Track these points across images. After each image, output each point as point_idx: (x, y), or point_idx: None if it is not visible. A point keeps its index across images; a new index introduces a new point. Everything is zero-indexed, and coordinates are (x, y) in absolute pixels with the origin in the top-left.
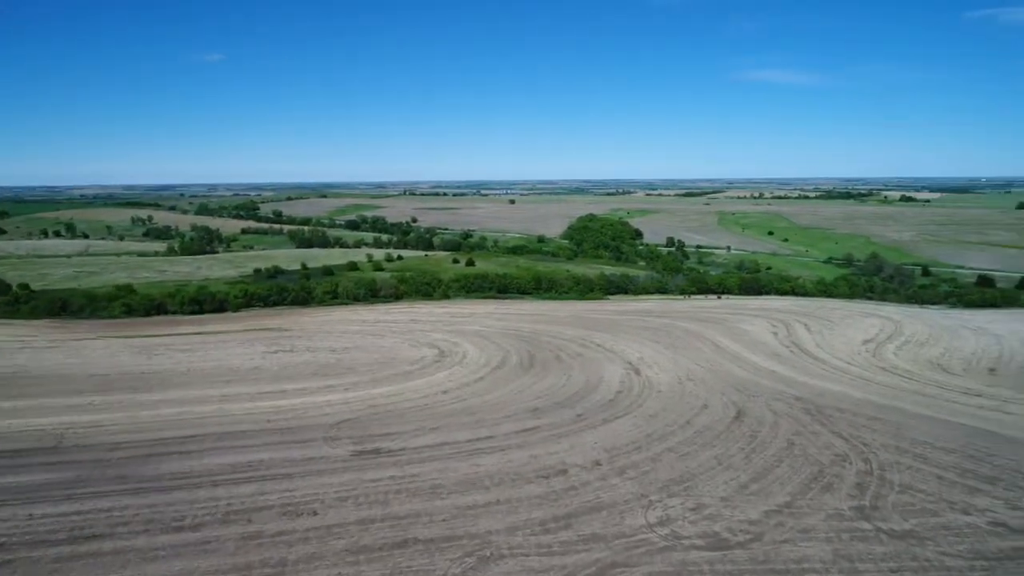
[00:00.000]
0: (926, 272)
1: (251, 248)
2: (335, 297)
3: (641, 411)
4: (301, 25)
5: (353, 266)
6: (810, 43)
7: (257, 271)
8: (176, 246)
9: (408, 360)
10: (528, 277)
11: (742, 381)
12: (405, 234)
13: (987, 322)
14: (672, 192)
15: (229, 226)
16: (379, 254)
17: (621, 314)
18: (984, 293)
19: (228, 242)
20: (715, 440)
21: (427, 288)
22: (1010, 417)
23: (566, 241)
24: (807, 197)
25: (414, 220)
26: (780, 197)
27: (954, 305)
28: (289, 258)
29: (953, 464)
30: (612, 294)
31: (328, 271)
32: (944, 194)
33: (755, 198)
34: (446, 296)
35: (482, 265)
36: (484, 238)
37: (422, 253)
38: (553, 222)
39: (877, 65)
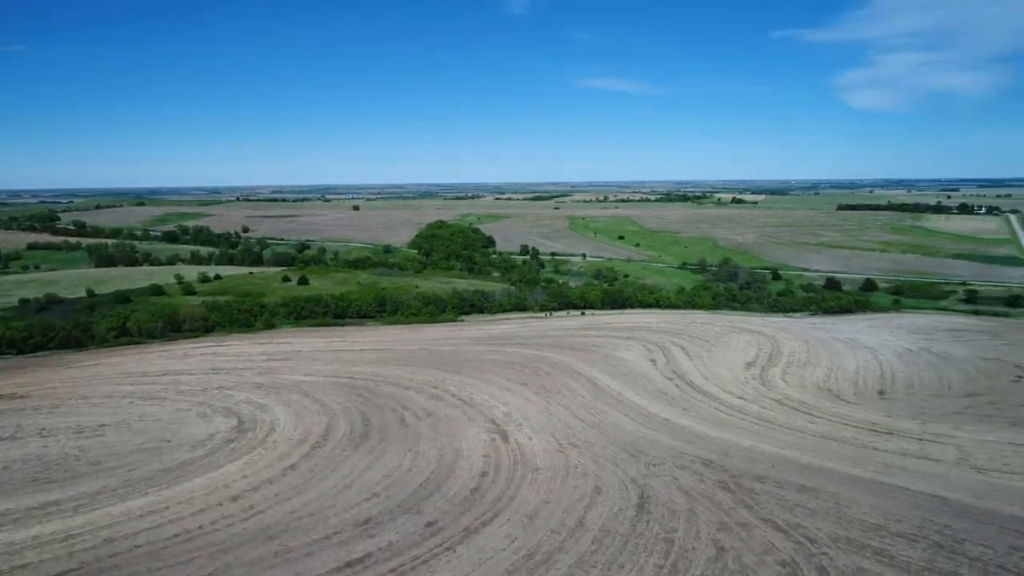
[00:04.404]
0: (776, 276)
1: (35, 268)
2: (123, 335)
3: (515, 508)
4: (121, 17)
5: (158, 290)
6: (643, 55)
7: (24, 302)
8: None
9: (190, 441)
10: (370, 298)
11: (635, 440)
12: (232, 247)
13: (854, 332)
14: (521, 196)
15: (14, 241)
16: (193, 273)
17: (479, 343)
18: (839, 298)
19: (7, 261)
20: (621, 554)
21: (245, 317)
22: (941, 468)
23: (415, 251)
24: (649, 200)
25: (245, 230)
26: (624, 200)
27: (814, 312)
28: (77, 281)
29: (924, 563)
30: (466, 314)
31: (122, 298)
32: (766, 196)
33: (600, 201)
34: (269, 325)
35: (318, 283)
36: (323, 250)
37: (247, 270)
38: (401, 229)
39: (702, 77)
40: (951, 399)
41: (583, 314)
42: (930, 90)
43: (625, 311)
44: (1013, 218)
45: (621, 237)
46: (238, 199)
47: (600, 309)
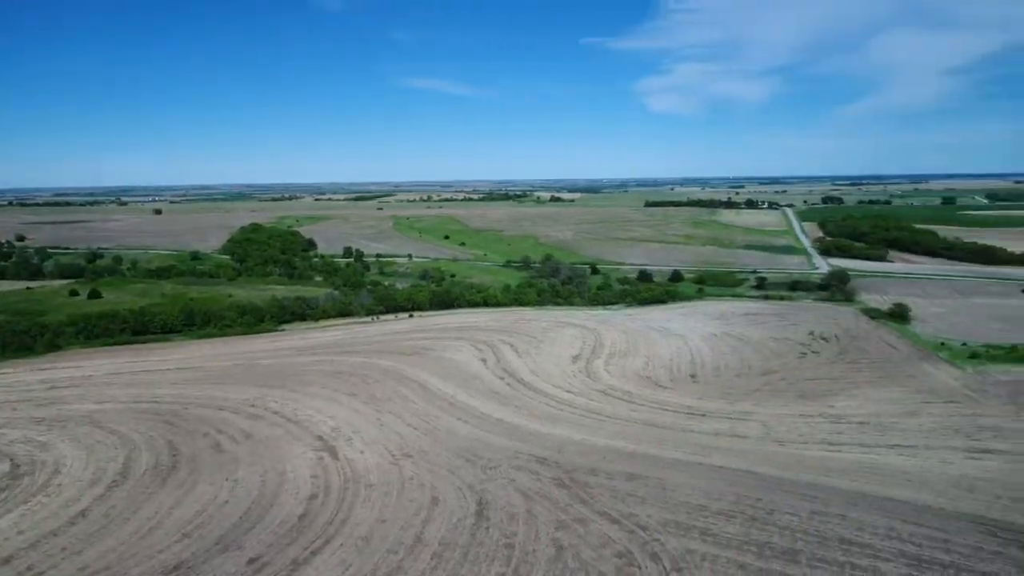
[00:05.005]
0: (595, 270)
1: None
2: None
3: (348, 531)
4: None
5: None
6: (463, 56)
7: None
8: None
9: None
10: (176, 310)
11: (470, 444)
12: (4, 258)
13: (666, 321)
14: (342, 196)
15: None
16: None
17: (302, 353)
18: (651, 290)
19: None
20: (463, 567)
21: (21, 340)
22: (749, 444)
23: (227, 257)
24: (472, 199)
25: (20, 238)
26: (448, 200)
27: (630, 304)
28: None
29: (742, 537)
30: (288, 322)
31: None
32: (581, 194)
33: (425, 201)
34: (53, 347)
35: (113, 297)
36: (119, 258)
37: (24, 284)
38: (210, 234)
39: (520, 80)
40: (751, 378)
41: (411, 316)
42: (718, 97)
43: (454, 311)
44: (789, 212)
45: (447, 237)
46: (11, 203)
47: (428, 310)
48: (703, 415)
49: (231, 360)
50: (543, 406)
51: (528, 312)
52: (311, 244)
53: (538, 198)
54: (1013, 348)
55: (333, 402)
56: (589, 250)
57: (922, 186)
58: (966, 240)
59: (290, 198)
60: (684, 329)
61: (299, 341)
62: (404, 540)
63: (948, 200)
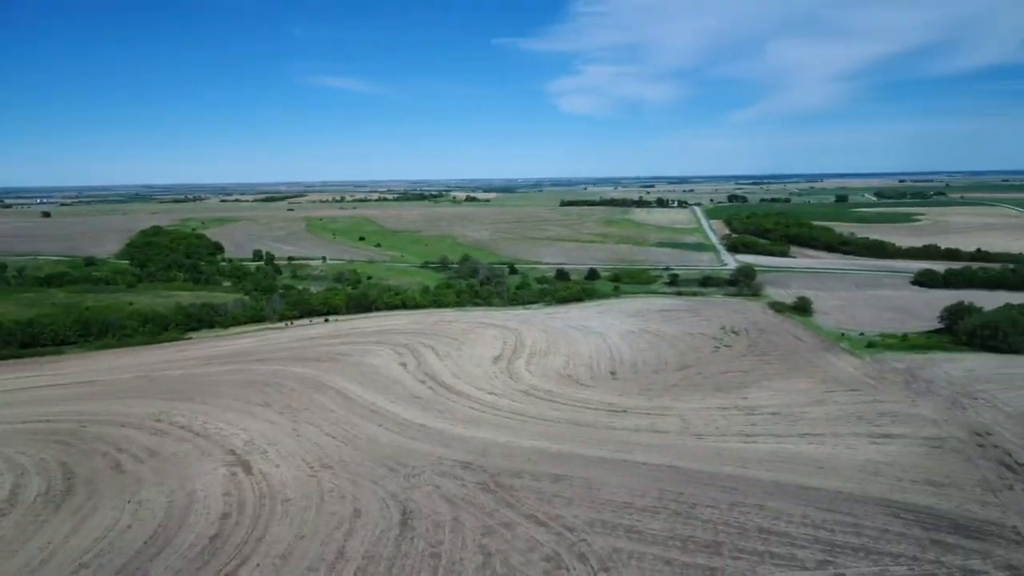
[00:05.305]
0: (513, 270)
1: None
2: None
3: (265, 550)
4: None
5: None
6: (371, 54)
7: None
8: None
9: None
10: (69, 320)
11: (392, 452)
12: None
13: (584, 319)
14: (251, 197)
15: None
16: None
17: (210, 362)
18: (569, 288)
19: None
20: None
21: None
22: (669, 439)
23: (126, 262)
24: (387, 199)
25: None
26: (362, 200)
27: (549, 303)
28: None
29: (667, 533)
30: (194, 330)
31: None
32: (497, 194)
33: (338, 201)
34: None
35: None
36: (4, 266)
37: None
38: (107, 238)
39: (433, 79)
40: (669, 373)
41: (327, 321)
42: (627, 98)
43: (371, 315)
44: (698, 210)
45: (362, 238)
46: None
47: (345, 314)
48: (624, 412)
49: (133, 372)
50: (466, 409)
51: (448, 313)
52: (218, 247)
53: (454, 198)
54: (905, 337)
55: (246, 414)
56: (507, 250)
57: (818, 185)
58: (859, 236)
59: (194, 199)
60: (603, 327)
61: (207, 350)
62: (325, 556)
63: (841, 198)
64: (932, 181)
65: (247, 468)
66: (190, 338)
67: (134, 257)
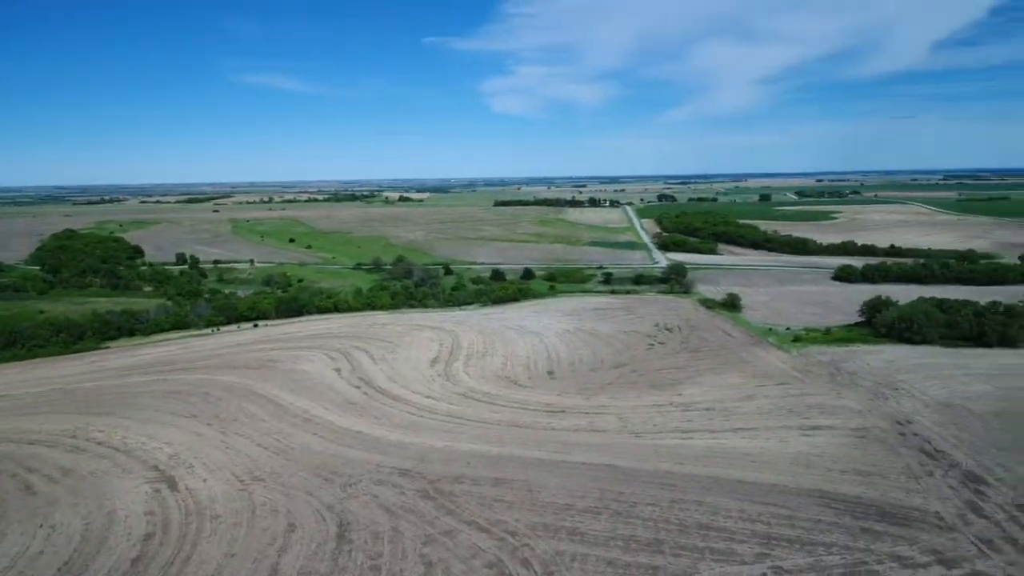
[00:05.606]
0: (448, 271)
1: None
2: None
3: (192, 571)
4: None
5: None
6: (301, 51)
7: None
8: None
9: None
10: None
11: (327, 461)
12: None
13: (521, 319)
14: (173, 198)
15: None
16: None
17: (131, 373)
18: (505, 288)
19: None
20: None
21: None
22: (607, 437)
23: (36, 267)
24: (317, 200)
25: None
26: (290, 201)
27: (485, 303)
28: None
29: (608, 533)
30: (113, 339)
31: None
32: (431, 194)
33: (266, 202)
34: None
35: None
36: None
37: None
38: (15, 242)
39: (365, 78)
40: (605, 371)
41: (256, 326)
42: (559, 99)
43: (303, 319)
44: (629, 209)
45: (292, 240)
46: None
47: (275, 319)
48: (562, 411)
49: (45, 385)
50: (403, 414)
51: (382, 316)
52: (138, 251)
53: (387, 198)
54: (828, 331)
55: (170, 426)
56: (441, 250)
57: (742, 184)
58: (782, 233)
59: (112, 201)
60: (539, 326)
61: (127, 359)
62: (258, 574)
63: (765, 197)
64: (847, 180)
65: (172, 484)
66: (108, 347)
67: (45, 262)
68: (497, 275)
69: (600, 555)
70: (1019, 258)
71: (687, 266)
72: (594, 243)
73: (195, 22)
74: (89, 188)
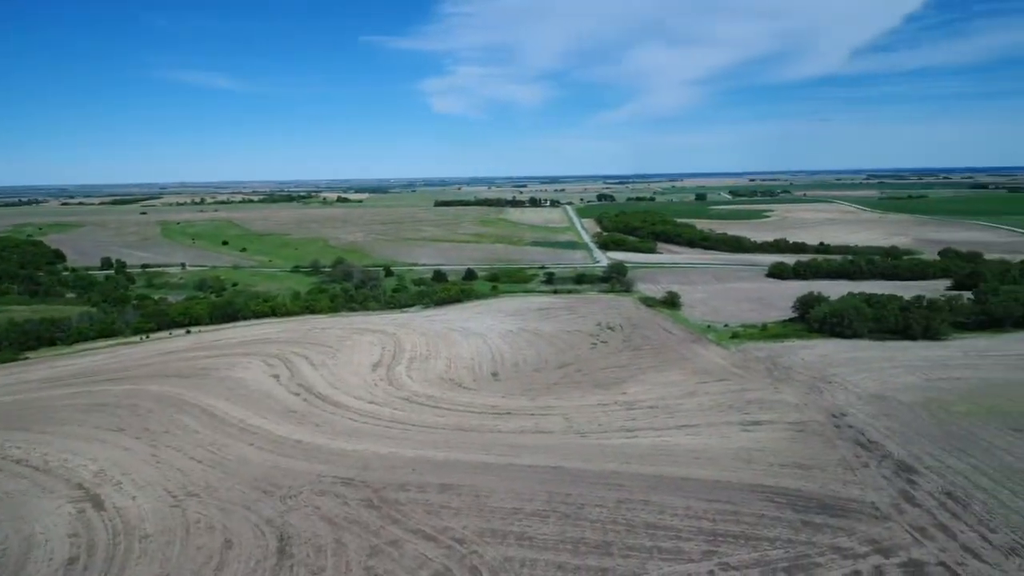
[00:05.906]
0: (389, 272)
1: None
2: None
3: None
4: None
5: None
6: (234, 49)
7: None
8: None
9: None
10: None
11: (266, 473)
12: None
13: (464, 320)
14: (97, 200)
15: None
16: None
17: (52, 385)
18: (448, 289)
19: None
20: None
21: None
22: (554, 439)
23: None
24: (251, 201)
25: None
26: (223, 202)
27: (428, 305)
28: None
29: (557, 536)
30: (32, 349)
31: None
32: (369, 195)
33: (197, 204)
34: None
35: None
36: None
37: None
38: None
39: (300, 76)
40: (550, 371)
41: (189, 333)
42: (498, 99)
43: (238, 324)
44: (570, 209)
45: (225, 242)
46: None
47: (209, 325)
48: (508, 413)
49: None
50: (345, 421)
51: (322, 320)
52: (59, 255)
53: (324, 199)
54: (764, 327)
55: (95, 441)
56: (381, 251)
57: (679, 184)
58: (718, 232)
59: (30, 202)
60: (482, 328)
61: (47, 371)
62: None
63: (700, 196)
64: (778, 180)
65: (98, 503)
66: (27, 358)
67: None
68: (439, 276)
69: (549, 559)
70: (938, 254)
71: (627, 265)
72: (536, 243)
73: (116, 14)
74: (4, 190)
